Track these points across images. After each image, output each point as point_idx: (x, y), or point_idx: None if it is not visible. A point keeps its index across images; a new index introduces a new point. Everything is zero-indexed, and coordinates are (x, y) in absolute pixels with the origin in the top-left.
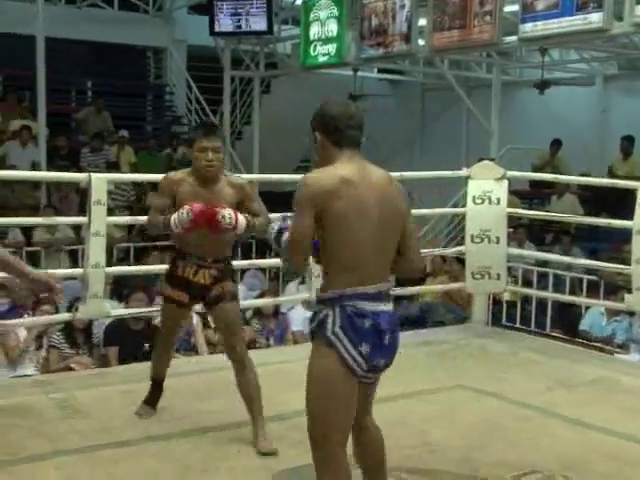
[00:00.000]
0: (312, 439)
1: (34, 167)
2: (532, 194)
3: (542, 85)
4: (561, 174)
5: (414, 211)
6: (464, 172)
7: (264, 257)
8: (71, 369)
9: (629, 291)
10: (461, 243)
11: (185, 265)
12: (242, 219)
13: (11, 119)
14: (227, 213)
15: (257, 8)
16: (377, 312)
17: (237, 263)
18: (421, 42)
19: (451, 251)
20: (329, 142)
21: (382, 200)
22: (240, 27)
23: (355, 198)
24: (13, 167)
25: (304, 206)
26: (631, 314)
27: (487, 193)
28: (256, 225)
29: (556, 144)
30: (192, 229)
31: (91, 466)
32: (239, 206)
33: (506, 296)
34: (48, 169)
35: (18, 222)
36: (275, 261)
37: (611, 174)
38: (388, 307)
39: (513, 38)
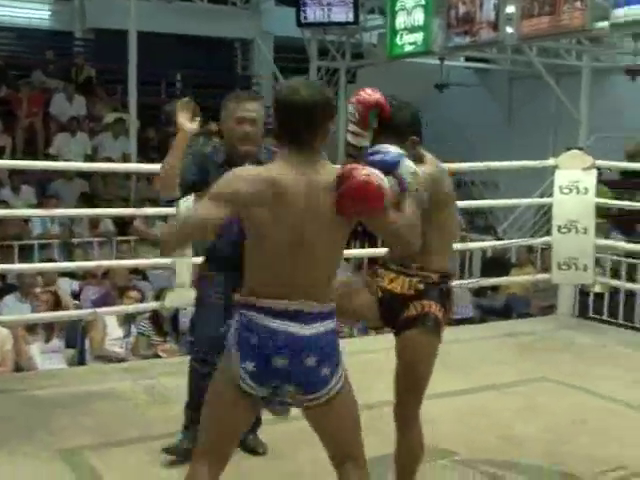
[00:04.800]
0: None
1: (125, 159)
2: (622, 184)
3: (634, 71)
4: None
5: (500, 201)
6: (551, 161)
7: (348, 247)
8: (158, 356)
9: None
10: (548, 233)
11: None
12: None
13: (105, 112)
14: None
15: None
16: (275, 330)
17: None
18: (509, 30)
19: (538, 241)
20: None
21: (310, 212)
22: (326, 18)
23: (278, 206)
24: (107, 159)
25: (221, 199)
26: None
27: (575, 183)
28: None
29: None
30: None
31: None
32: None
33: (597, 288)
34: (138, 160)
35: (110, 213)
36: (359, 251)
37: None
38: (305, 330)
39: (605, 24)
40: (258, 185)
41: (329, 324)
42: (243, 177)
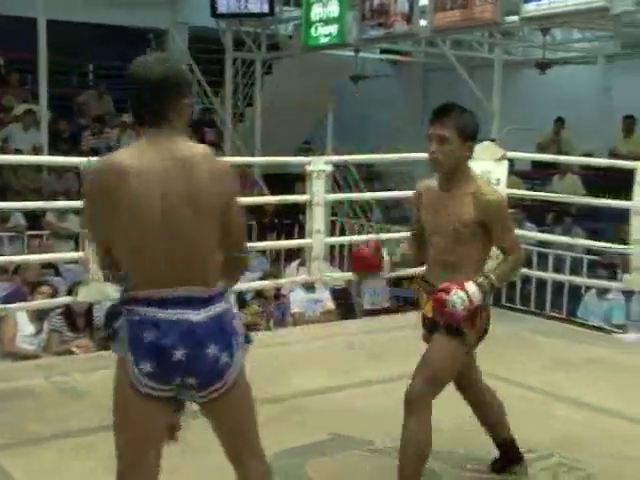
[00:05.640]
0: None
1: (36, 151)
2: (534, 174)
3: (543, 65)
4: (566, 154)
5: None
6: None
7: (265, 239)
8: (72, 352)
9: (627, 271)
10: None
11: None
12: (476, 293)
13: (15, 102)
14: (457, 298)
15: None
16: (168, 320)
17: None
18: (423, 22)
19: None
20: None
21: (174, 190)
22: (241, 9)
23: (130, 191)
24: (18, 151)
25: (86, 197)
26: (628, 294)
27: (487, 174)
28: (495, 283)
29: (559, 122)
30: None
31: (92, 448)
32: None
33: None
34: (50, 153)
35: (21, 206)
36: (275, 243)
37: (613, 153)
38: (199, 316)
39: (515, 18)
40: (103, 175)
41: (220, 307)
42: (91, 174)
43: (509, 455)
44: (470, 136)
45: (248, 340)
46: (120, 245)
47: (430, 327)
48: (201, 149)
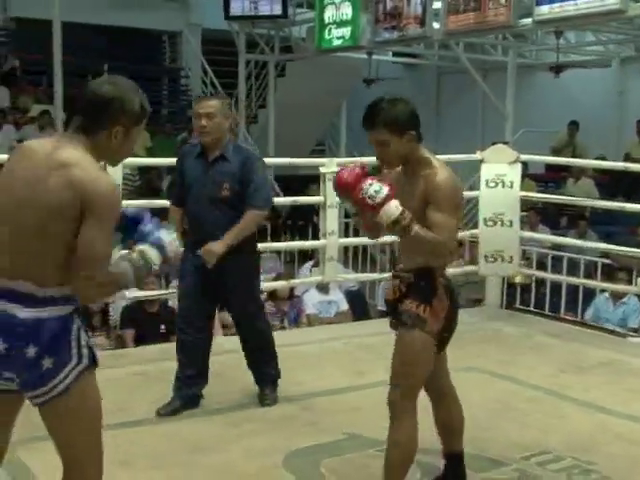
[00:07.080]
0: None
1: None
2: (548, 177)
3: (557, 68)
4: (580, 157)
5: None
6: (477, 156)
7: (279, 240)
8: None
9: None
10: (476, 226)
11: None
12: (393, 207)
13: (30, 103)
14: (371, 187)
15: None
16: None
17: None
18: (436, 25)
19: (465, 234)
20: None
21: (30, 186)
22: (255, 10)
23: (4, 171)
24: None
25: None
26: None
27: (500, 177)
28: (420, 236)
29: (573, 125)
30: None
31: (105, 443)
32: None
33: (518, 279)
34: None
35: None
36: (289, 244)
37: (628, 157)
38: (23, 313)
39: (528, 20)
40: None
41: (55, 311)
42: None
43: (456, 472)
44: (406, 126)
45: (93, 360)
46: None
47: (392, 311)
48: (78, 158)
